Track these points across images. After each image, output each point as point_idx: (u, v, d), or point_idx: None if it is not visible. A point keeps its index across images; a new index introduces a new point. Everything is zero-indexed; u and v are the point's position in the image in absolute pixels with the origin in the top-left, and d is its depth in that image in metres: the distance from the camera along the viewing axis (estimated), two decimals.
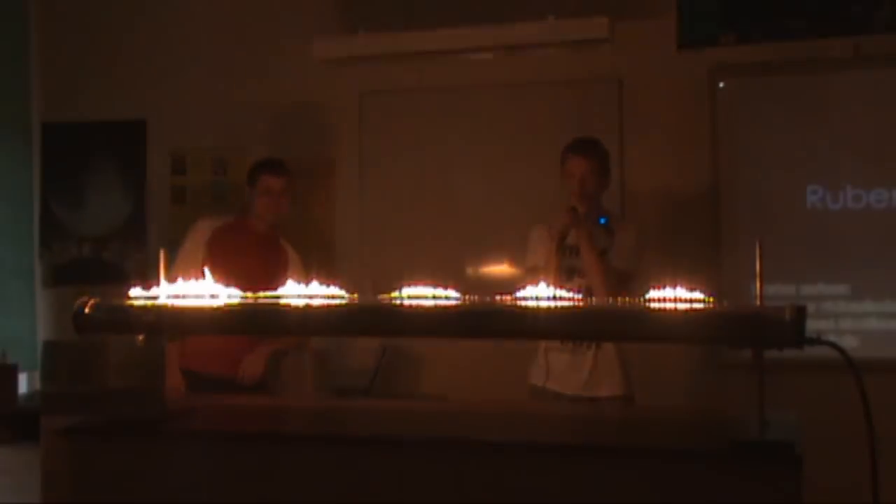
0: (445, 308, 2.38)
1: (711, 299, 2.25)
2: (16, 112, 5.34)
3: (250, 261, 3.83)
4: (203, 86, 5.17)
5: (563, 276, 3.51)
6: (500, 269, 4.69)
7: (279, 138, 4.97)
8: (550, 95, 4.77)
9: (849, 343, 4.32)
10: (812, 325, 2.20)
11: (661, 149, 4.65)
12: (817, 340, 2.18)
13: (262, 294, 2.53)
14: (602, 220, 3.61)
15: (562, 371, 3.63)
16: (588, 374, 3.60)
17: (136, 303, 2.54)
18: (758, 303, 2.29)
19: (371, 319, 2.48)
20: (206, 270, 2.62)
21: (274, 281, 3.81)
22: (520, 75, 4.80)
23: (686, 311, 2.26)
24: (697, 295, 2.25)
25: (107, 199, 5.32)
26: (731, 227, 4.54)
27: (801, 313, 2.18)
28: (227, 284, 2.59)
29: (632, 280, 3.52)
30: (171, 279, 2.56)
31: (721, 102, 4.59)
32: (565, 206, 3.56)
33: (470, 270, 4.75)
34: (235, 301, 2.55)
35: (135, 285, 2.57)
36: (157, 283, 2.55)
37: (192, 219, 4.30)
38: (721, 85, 4.59)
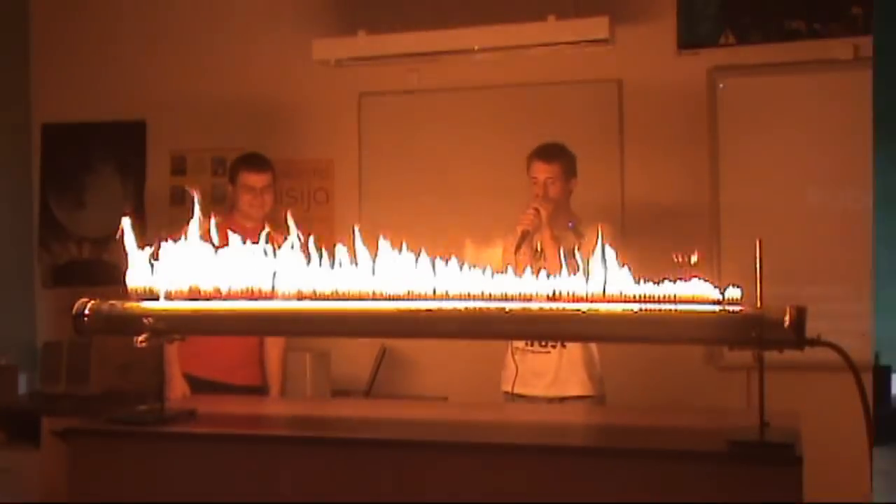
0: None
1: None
2: (16, 112, 5.34)
3: None
4: (203, 86, 5.16)
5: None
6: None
7: (279, 138, 4.97)
8: (550, 96, 4.76)
9: (849, 344, 4.31)
10: (812, 326, 2.20)
11: (662, 149, 4.64)
12: (817, 341, 2.18)
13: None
14: (570, 224, 3.65)
15: (529, 373, 3.64)
16: (553, 374, 3.61)
17: (136, 304, 2.55)
18: (758, 304, 2.29)
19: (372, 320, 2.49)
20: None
21: None
22: (519, 76, 4.79)
23: (687, 313, 2.27)
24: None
25: (107, 199, 5.31)
26: (731, 227, 4.53)
27: (801, 314, 2.18)
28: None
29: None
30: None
31: (721, 103, 4.58)
32: (528, 209, 3.60)
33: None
34: (234, 303, 2.55)
35: (126, 214, 2.58)
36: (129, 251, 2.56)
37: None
38: (721, 85, 4.59)
